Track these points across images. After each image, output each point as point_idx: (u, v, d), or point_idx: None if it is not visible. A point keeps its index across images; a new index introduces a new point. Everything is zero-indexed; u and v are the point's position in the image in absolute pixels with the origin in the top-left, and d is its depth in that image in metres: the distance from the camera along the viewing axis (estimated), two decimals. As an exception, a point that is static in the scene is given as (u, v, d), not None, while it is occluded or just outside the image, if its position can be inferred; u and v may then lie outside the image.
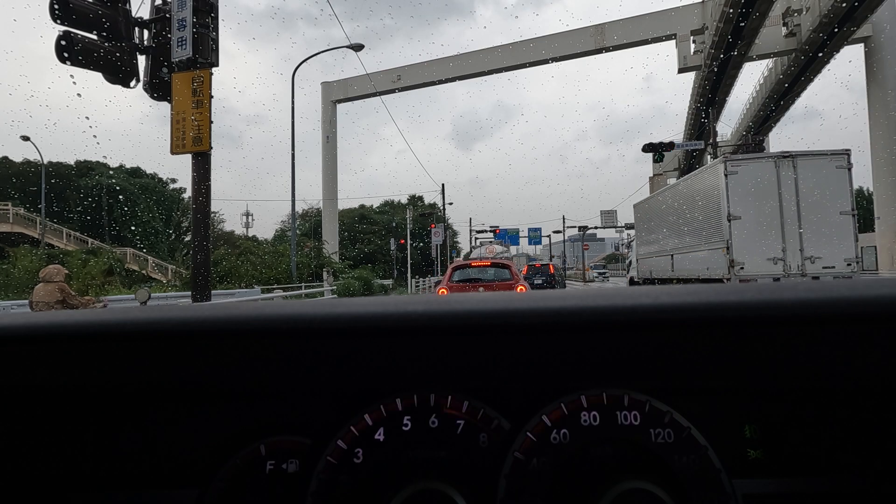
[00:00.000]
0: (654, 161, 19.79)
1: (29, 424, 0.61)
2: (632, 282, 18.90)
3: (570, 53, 31.82)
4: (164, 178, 40.47)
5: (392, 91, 36.26)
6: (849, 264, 9.41)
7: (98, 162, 37.43)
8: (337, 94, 37.97)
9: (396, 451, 0.60)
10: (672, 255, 13.05)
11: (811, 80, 27.53)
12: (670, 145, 18.65)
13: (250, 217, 54.59)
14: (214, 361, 0.56)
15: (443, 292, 9.12)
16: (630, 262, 19.95)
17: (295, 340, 0.52)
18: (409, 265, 26.36)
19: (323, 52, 18.65)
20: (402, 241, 33.96)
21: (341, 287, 18.68)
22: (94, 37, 4.89)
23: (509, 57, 32.64)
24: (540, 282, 23.39)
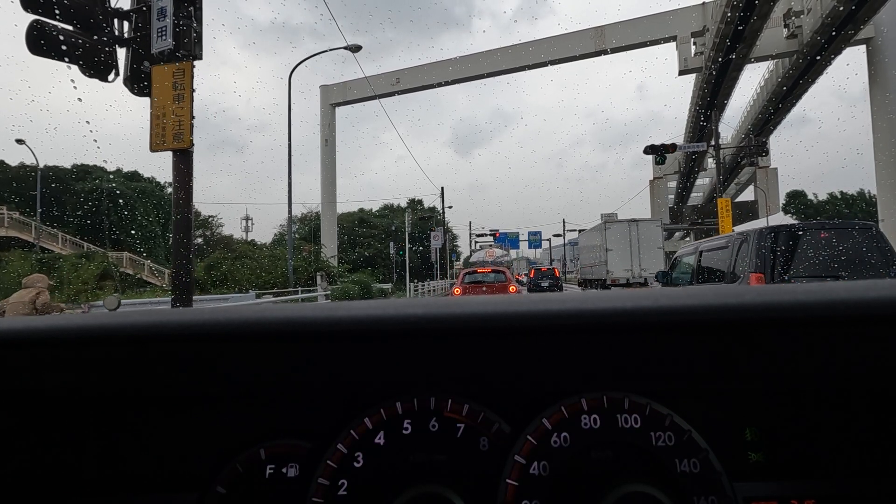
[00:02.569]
0: (656, 163, 19.52)
1: (29, 429, 0.61)
2: (580, 283, 28.54)
3: (570, 56, 31.67)
4: (162, 182, 40.32)
5: (391, 94, 36.09)
6: (660, 269, 19.67)
7: (96, 165, 37.28)
8: (335, 98, 37.79)
9: (397, 454, 0.60)
10: (592, 266, 23.33)
11: (812, 83, 27.34)
12: (672, 147, 18.42)
13: (250, 221, 54.30)
14: (214, 365, 0.56)
15: (457, 291, 12.85)
16: (579, 269, 31.75)
17: (295, 344, 0.52)
18: (407, 269, 25.89)
19: (320, 53, 18.47)
20: (402, 245, 33.61)
21: (339, 291, 18.39)
22: (69, 27, 4.66)
23: (509, 60, 32.49)
24: (547, 284, 23.79)
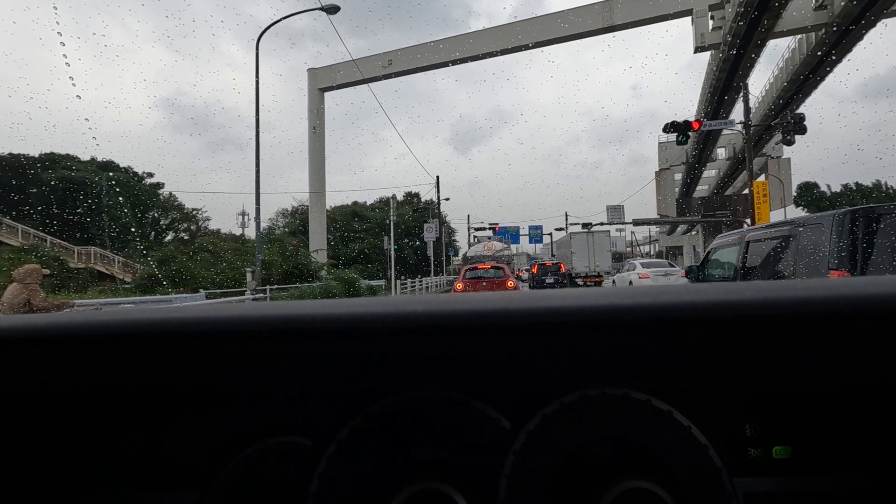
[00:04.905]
0: (678, 143, 17.20)
1: (31, 427, 0.61)
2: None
3: (575, 33, 29.20)
4: (140, 173, 37.96)
5: (382, 77, 33.61)
6: (607, 266, 26.98)
7: (67, 154, 34.83)
8: (323, 82, 35.25)
9: (397, 451, 0.60)
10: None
11: (840, 60, 25.00)
12: (697, 124, 16.07)
13: (246, 217, 51.91)
14: (215, 363, 0.56)
15: (459, 287, 13.59)
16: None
17: (295, 341, 0.53)
18: (392, 264, 23.09)
19: (293, 14, 16.06)
20: (400, 240, 30.98)
21: (320, 289, 16.01)
22: None
23: (507, 39, 30.02)
24: (552, 281, 20.73)
